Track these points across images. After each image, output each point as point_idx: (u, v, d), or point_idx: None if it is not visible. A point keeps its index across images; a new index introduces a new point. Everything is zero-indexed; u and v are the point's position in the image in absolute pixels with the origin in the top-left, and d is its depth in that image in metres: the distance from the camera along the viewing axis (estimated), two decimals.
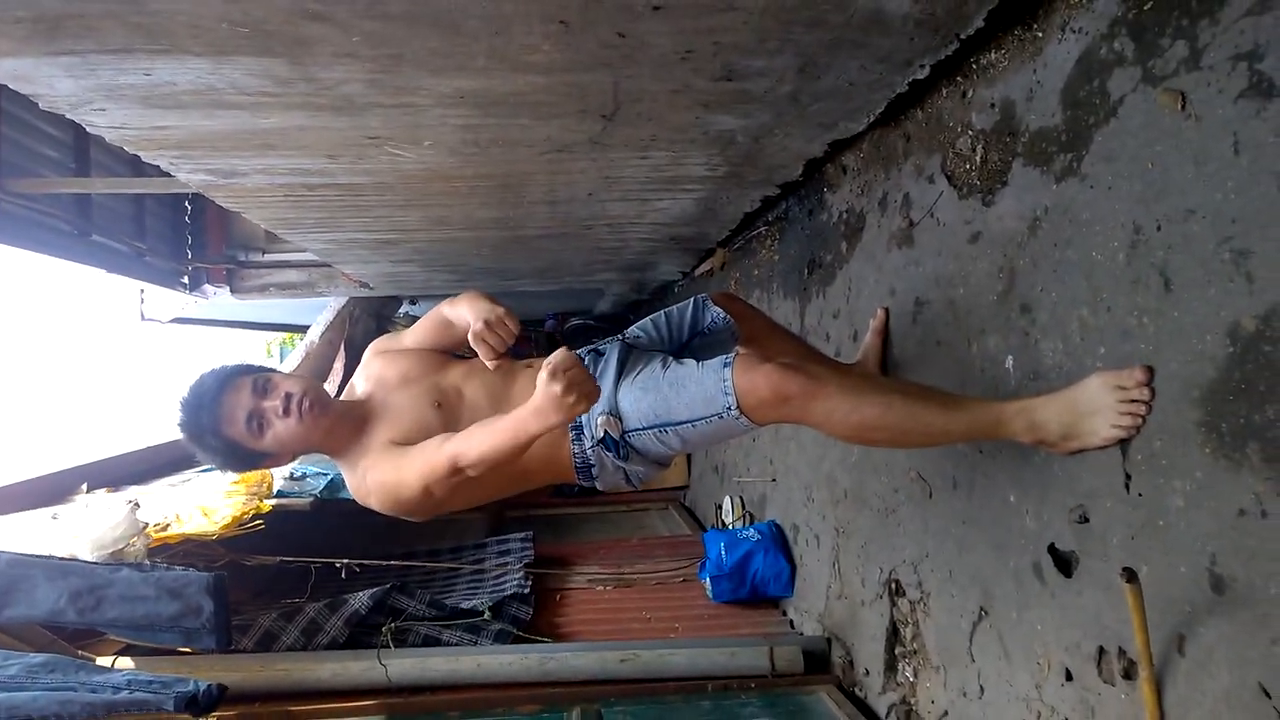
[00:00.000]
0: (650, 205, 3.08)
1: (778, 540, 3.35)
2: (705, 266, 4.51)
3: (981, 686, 1.89)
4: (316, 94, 1.82)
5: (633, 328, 2.10)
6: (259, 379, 1.74)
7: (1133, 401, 1.38)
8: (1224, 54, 1.20)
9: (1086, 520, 1.52)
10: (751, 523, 3.80)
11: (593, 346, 1.99)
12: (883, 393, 1.66)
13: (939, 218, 2.04)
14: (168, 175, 2.40)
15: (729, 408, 1.66)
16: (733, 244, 3.94)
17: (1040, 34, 1.65)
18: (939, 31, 1.70)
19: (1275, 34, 1.12)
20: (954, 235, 1.97)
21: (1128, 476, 1.42)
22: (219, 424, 1.70)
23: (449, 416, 1.77)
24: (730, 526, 4.05)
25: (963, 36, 1.73)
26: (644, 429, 1.77)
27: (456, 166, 2.41)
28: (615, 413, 1.80)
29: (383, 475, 1.71)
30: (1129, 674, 1.40)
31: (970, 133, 1.89)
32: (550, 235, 3.55)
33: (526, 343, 8.83)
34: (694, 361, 1.79)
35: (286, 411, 1.71)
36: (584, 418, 1.81)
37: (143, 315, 5.63)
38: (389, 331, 6.38)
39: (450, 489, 1.66)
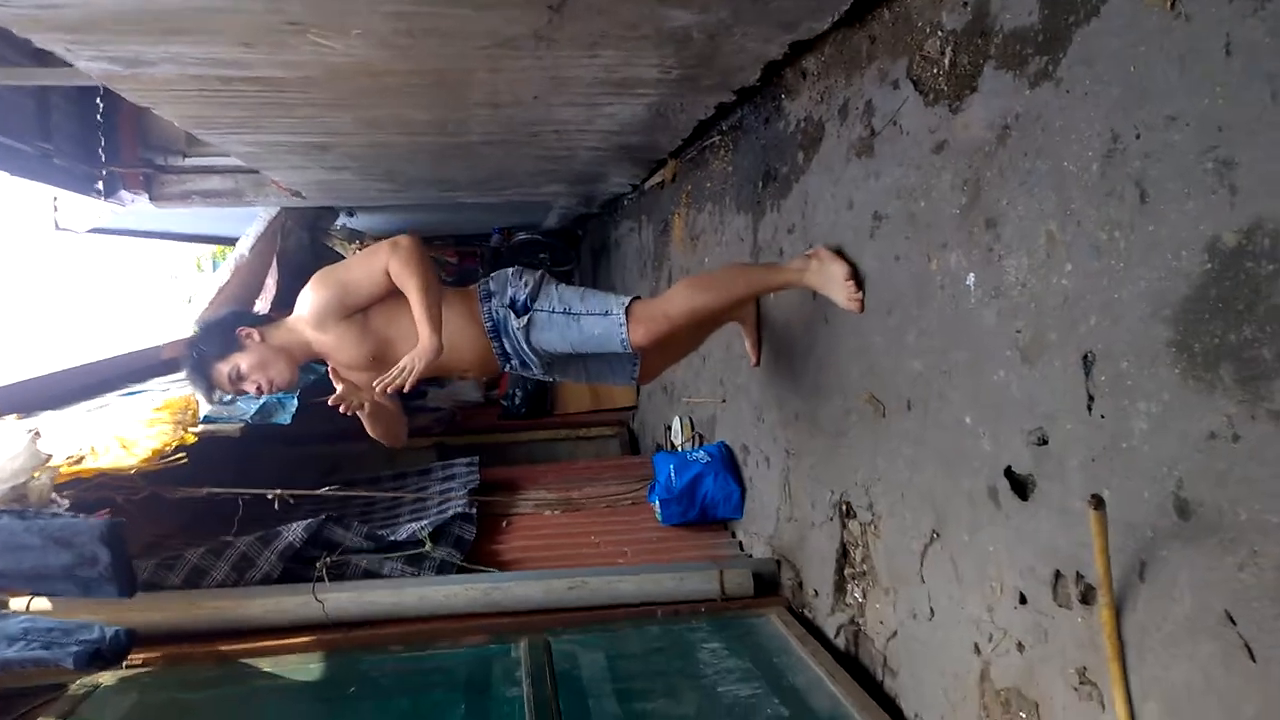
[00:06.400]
0: (600, 110, 2.92)
1: (728, 462, 3.31)
2: (656, 179, 4.36)
3: (932, 609, 1.87)
4: None
5: None
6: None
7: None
8: None
9: (1045, 442, 1.47)
10: (701, 444, 3.76)
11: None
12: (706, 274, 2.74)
13: (902, 126, 1.93)
14: (69, 66, 2.19)
15: (618, 312, 2.37)
16: (685, 154, 3.80)
17: None
18: None
19: None
20: (917, 145, 1.87)
21: (1090, 398, 1.36)
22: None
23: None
24: (680, 448, 4.01)
25: None
26: (549, 311, 2.41)
27: (388, 60, 2.22)
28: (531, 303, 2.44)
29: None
30: (1086, 599, 1.37)
31: (940, 34, 1.78)
32: (493, 142, 3.36)
33: (472, 259, 8.61)
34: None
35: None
36: (492, 284, 2.49)
37: (57, 225, 5.29)
38: (324, 244, 6.09)
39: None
